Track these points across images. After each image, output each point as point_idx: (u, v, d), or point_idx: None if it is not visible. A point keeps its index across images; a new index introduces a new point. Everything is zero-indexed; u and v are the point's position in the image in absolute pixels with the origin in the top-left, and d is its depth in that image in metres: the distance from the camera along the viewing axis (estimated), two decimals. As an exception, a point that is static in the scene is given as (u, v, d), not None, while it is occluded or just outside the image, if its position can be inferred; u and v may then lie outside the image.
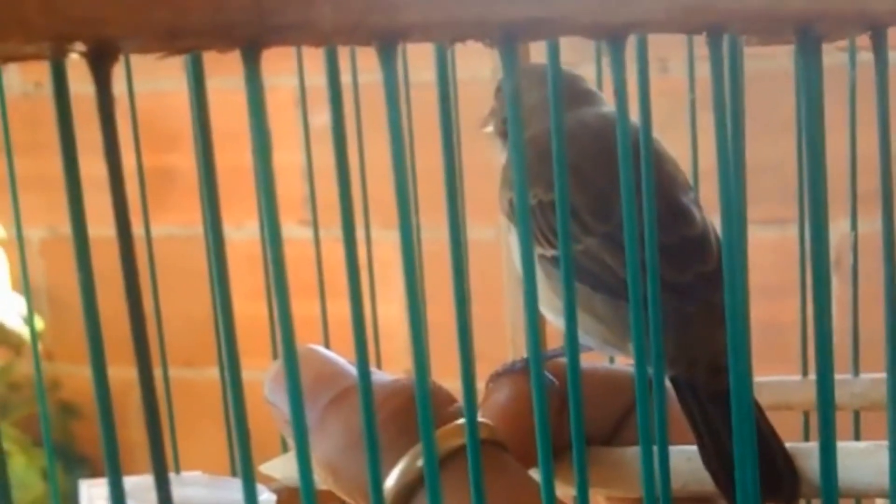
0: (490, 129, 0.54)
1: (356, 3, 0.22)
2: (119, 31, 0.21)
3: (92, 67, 0.21)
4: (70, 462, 1.50)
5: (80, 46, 0.21)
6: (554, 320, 0.45)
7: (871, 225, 0.60)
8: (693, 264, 0.43)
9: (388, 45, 0.23)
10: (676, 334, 0.40)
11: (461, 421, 0.35)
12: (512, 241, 0.48)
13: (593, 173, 0.44)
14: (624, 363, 0.48)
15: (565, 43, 0.26)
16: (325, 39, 0.23)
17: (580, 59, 0.58)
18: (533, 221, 0.44)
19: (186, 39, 0.22)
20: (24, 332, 1.36)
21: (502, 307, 0.69)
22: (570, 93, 0.48)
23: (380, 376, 0.37)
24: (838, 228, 0.69)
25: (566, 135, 0.27)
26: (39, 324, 1.44)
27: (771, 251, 0.96)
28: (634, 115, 0.27)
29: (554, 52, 0.26)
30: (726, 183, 0.27)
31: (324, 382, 0.37)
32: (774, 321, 0.79)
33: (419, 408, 0.27)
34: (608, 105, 0.50)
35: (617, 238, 0.43)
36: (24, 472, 1.35)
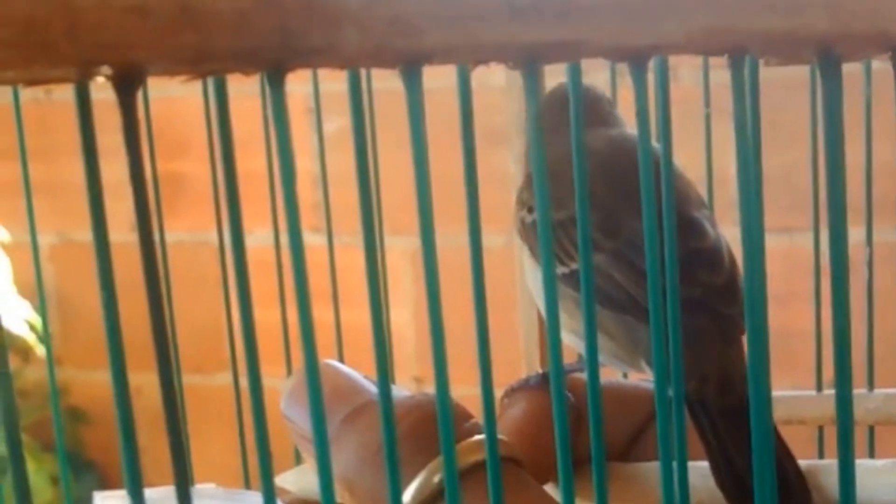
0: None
1: (380, 27, 0.22)
2: (145, 56, 0.21)
3: (118, 91, 0.22)
4: (79, 467, 1.51)
5: (106, 70, 0.21)
6: (564, 337, 0.45)
7: (884, 234, 0.60)
8: (702, 277, 0.43)
9: (411, 68, 0.23)
10: (686, 349, 0.40)
11: (479, 437, 0.35)
12: (525, 259, 0.48)
13: (601, 190, 0.44)
14: (637, 378, 0.48)
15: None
16: (348, 62, 0.23)
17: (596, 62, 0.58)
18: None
19: (211, 63, 0.22)
20: (29, 337, 1.36)
21: (515, 311, 0.69)
22: (590, 114, 0.48)
23: (396, 392, 0.37)
24: (850, 236, 0.69)
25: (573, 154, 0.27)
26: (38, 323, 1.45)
27: (780, 259, 0.96)
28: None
29: (575, 74, 0.26)
30: (748, 204, 0.27)
31: (340, 398, 0.37)
32: (784, 329, 0.79)
33: (440, 425, 0.27)
34: (628, 128, 0.50)
35: (625, 255, 0.43)
36: (34, 477, 1.36)
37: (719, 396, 0.40)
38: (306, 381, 0.25)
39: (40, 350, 1.35)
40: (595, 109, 0.50)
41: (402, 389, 0.38)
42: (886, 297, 0.60)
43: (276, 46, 0.22)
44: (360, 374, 0.38)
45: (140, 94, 0.22)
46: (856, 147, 0.60)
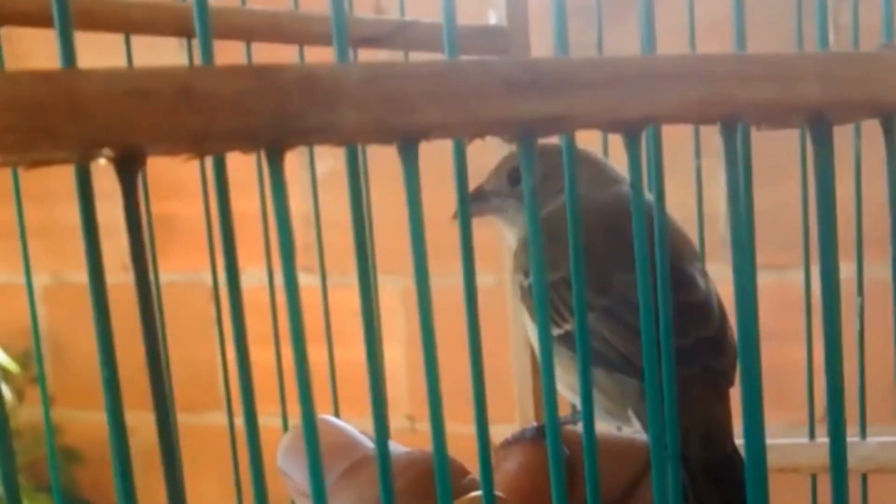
0: (491, 206, 0.54)
1: (378, 105, 0.23)
2: (145, 138, 0.21)
3: (119, 172, 0.22)
4: (72, 506, 1.51)
5: (107, 153, 0.21)
6: (560, 390, 0.45)
7: (874, 272, 0.60)
8: (692, 329, 0.43)
9: (408, 145, 0.24)
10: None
11: (474, 494, 0.35)
12: (526, 321, 0.48)
13: (592, 248, 0.44)
14: (630, 431, 0.48)
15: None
16: (347, 139, 0.23)
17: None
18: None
19: (211, 143, 0.22)
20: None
21: (507, 350, 0.70)
22: (593, 176, 0.49)
23: (393, 448, 0.37)
24: (840, 273, 0.69)
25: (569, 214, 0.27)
26: (13, 366, 1.45)
27: (769, 296, 0.96)
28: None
29: (570, 144, 0.27)
30: (742, 267, 0.27)
31: (337, 453, 0.37)
32: (775, 365, 0.79)
33: (438, 481, 0.27)
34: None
35: (615, 312, 0.43)
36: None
37: (702, 451, 0.40)
38: (303, 436, 0.25)
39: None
40: (608, 169, 0.51)
41: (399, 445, 0.38)
42: (880, 332, 0.60)
43: (275, 126, 0.22)
44: (355, 428, 0.38)
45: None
46: (846, 184, 0.60)
